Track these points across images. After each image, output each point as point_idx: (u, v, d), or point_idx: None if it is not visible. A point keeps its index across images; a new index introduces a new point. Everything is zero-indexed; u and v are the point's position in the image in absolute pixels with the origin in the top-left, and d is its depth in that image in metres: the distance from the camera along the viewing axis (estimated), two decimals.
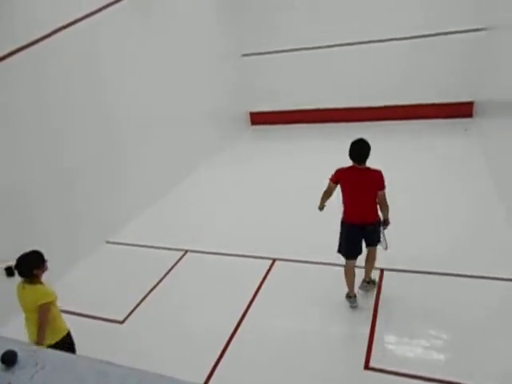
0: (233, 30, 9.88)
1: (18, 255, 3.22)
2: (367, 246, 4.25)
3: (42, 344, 3.11)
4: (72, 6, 5.56)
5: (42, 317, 3.15)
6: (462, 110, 8.94)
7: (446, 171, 6.87)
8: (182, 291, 4.97)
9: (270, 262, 5.22)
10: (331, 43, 9.36)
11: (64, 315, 4.60)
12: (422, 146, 8.04)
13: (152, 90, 7.18)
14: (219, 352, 3.93)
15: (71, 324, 4.63)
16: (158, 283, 5.14)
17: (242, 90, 10.53)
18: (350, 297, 4.27)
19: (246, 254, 5.46)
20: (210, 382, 3.64)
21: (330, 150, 8.71)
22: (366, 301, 4.31)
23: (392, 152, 7.96)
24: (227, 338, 4.08)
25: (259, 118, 11.00)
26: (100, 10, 5.94)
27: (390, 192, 6.34)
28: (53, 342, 3.24)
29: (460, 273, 4.49)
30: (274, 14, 9.62)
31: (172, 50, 7.67)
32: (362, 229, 4.06)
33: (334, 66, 9.57)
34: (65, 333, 3.37)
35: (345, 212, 4.14)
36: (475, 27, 8.16)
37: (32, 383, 1.43)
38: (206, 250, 5.67)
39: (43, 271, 3.28)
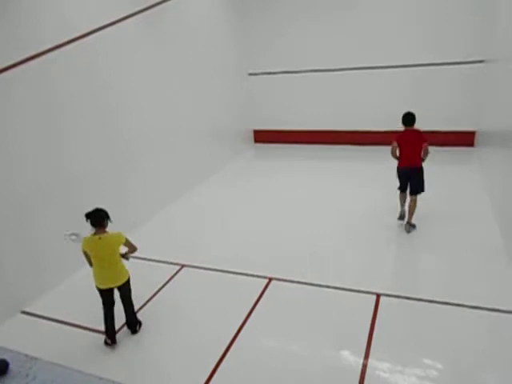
0: (240, 49, 10.05)
1: None
2: (411, 193, 5.95)
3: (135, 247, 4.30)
4: (82, 19, 5.67)
5: (131, 244, 4.23)
6: (464, 139, 9.03)
7: (447, 199, 6.89)
8: (176, 306, 4.93)
9: (266, 281, 5.19)
10: (337, 67, 9.53)
11: (57, 325, 4.58)
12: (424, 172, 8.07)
13: (157, 103, 7.27)
14: (211, 370, 3.88)
15: (63, 334, 4.60)
16: (152, 296, 5.10)
17: (247, 108, 10.65)
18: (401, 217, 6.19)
19: (242, 271, 5.43)
20: None
21: (332, 171, 8.81)
22: (361, 327, 4.27)
23: (393, 178, 8.00)
24: (219, 357, 4.02)
25: (263, 136, 11.10)
26: (110, 24, 6.05)
27: (387, 217, 6.43)
28: (127, 277, 4.27)
29: (458, 302, 4.45)
30: (282, 35, 9.82)
31: (179, 64, 7.79)
32: (410, 171, 5.90)
33: (338, 89, 9.70)
34: (128, 277, 4.30)
35: (400, 160, 5.98)
36: (475, 59, 8.34)
37: None
38: (202, 266, 5.64)
39: (107, 224, 4.10)
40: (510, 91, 6.01)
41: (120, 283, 4.19)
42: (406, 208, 6.13)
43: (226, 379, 3.78)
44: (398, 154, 6.01)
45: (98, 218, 4.01)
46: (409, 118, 5.98)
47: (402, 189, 6.11)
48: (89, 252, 4.08)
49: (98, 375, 2.86)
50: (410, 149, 5.85)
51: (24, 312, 5.03)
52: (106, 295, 4.22)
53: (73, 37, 5.50)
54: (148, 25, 6.97)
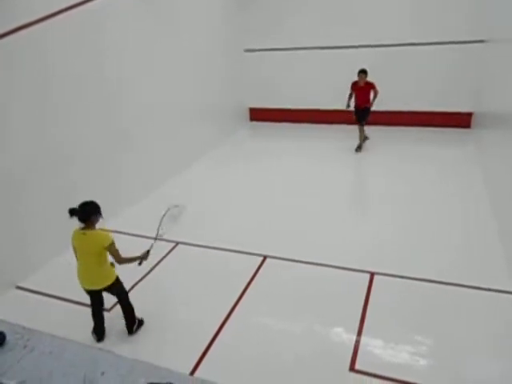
0: (236, 25, 9.82)
1: None
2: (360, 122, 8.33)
3: (132, 259, 3.85)
4: None
5: (116, 253, 3.71)
6: (461, 120, 8.99)
7: (442, 181, 6.91)
8: (170, 283, 4.95)
9: (261, 258, 5.21)
10: (336, 45, 9.36)
11: (52, 300, 4.58)
12: (420, 154, 8.09)
13: (151, 80, 7.10)
14: (204, 347, 3.92)
15: (58, 310, 4.60)
16: (147, 274, 5.11)
17: (243, 85, 10.49)
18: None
19: (236, 249, 5.45)
20: (196, 374, 3.63)
21: (327, 151, 8.77)
22: (354, 305, 4.33)
23: (389, 158, 8.01)
24: (212, 335, 4.06)
25: (258, 114, 10.98)
26: None
27: (385, 198, 6.45)
28: (109, 282, 3.85)
29: (449, 281, 4.52)
30: (279, 11, 9.59)
31: (174, 41, 7.60)
32: (362, 110, 8.20)
33: (337, 67, 9.55)
34: (113, 278, 3.90)
35: (356, 102, 8.25)
36: (475, 39, 8.22)
37: (19, 366, 1.41)
38: (197, 243, 5.65)
39: (98, 220, 3.70)
40: (509, 72, 5.96)
41: (98, 287, 3.84)
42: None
43: (219, 357, 3.82)
44: (350, 98, 8.30)
45: (83, 213, 3.60)
46: (363, 71, 7.97)
47: (357, 120, 8.38)
48: (75, 246, 3.79)
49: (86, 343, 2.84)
50: (362, 93, 8.08)
51: (19, 287, 5.03)
52: (91, 296, 3.95)
53: (66, 6, 5.32)
54: (143, 1, 6.76)
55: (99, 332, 4.10)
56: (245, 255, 5.32)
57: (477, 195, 6.25)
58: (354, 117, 8.43)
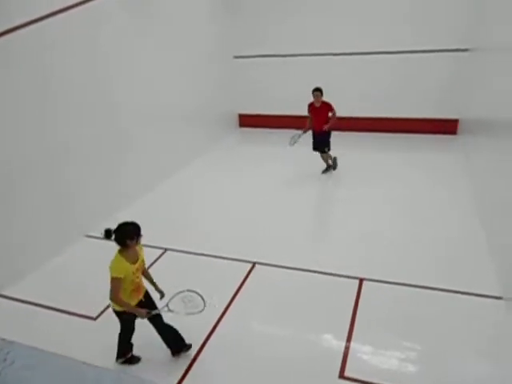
0: (226, 32, 9.83)
1: None
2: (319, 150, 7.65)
3: (124, 307, 3.46)
4: None
5: (113, 290, 3.38)
6: (447, 127, 9.11)
7: (430, 187, 6.96)
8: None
9: (250, 265, 5.18)
10: (323, 52, 9.43)
11: (35, 308, 4.47)
12: (407, 160, 8.15)
13: (139, 85, 7.06)
14: (193, 355, 3.87)
15: (43, 318, 4.50)
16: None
17: (232, 92, 10.49)
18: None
19: (225, 256, 5.41)
20: (185, 381, 3.58)
21: (317, 156, 8.79)
22: (344, 311, 4.32)
23: (376, 164, 8.06)
24: (202, 342, 4.02)
25: (248, 121, 10.98)
26: None
27: (373, 204, 6.48)
28: (117, 309, 3.55)
29: (437, 287, 4.54)
30: (269, 18, 9.64)
31: (165, 47, 7.60)
32: (319, 134, 7.43)
33: (325, 74, 9.59)
34: (120, 310, 3.54)
35: (312, 125, 7.47)
36: (460, 47, 8.36)
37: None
38: (186, 250, 5.59)
39: (136, 244, 3.46)
40: (493, 80, 6.08)
41: (112, 307, 3.63)
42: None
43: (209, 363, 3.78)
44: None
45: (117, 237, 3.44)
46: (319, 90, 7.25)
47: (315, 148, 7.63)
48: None
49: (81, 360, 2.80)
50: (318, 117, 7.31)
51: (1, 295, 4.92)
52: None
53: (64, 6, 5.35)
54: (135, 5, 6.73)
55: (129, 358, 3.86)
56: (233, 262, 5.29)
57: (464, 200, 6.31)
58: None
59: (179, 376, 3.65)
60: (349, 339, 3.95)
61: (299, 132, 7.45)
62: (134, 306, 3.51)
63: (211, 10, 9.30)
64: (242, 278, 4.94)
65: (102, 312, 4.52)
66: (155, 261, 5.41)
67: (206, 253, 5.48)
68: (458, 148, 8.39)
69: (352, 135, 9.58)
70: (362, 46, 9.09)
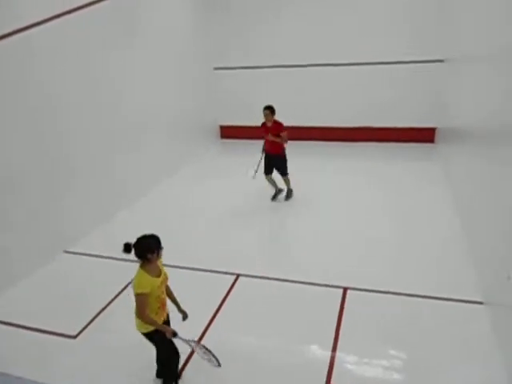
0: (205, 43, 9.88)
1: None
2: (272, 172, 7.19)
3: (152, 324, 3.26)
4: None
5: (138, 307, 3.21)
6: (425, 136, 9.31)
7: (409, 194, 7.08)
8: None
9: (234, 277, 5.14)
10: (302, 63, 9.56)
11: (11, 329, 4.33)
12: (386, 168, 8.27)
13: (117, 99, 6.99)
14: (179, 366, 3.79)
15: (19, 338, 4.36)
16: (116, 296, 4.94)
17: (213, 103, 10.51)
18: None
19: (208, 268, 5.35)
20: None
21: (299, 166, 8.84)
22: (328, 320, 4.31)
23: (356, 173, 8.15)
24: (186, 356, 3.94)
25: (229, 132, 11.00)
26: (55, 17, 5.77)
27: (353, 212, 6.53)
28: (145, 331, 3.34)
29: (420, 294, 4.58)
30: (249, 30, 9.73)
31: (144, 59, 7.57)
32: (273, 157, 6.99)
33: (304, 85, 9.75)
34: (150, 329, 3.33)
35: (266, 146, 7.00)
36: (436, 58, 8.60)
37: None
38: (168, 263, 5.49)
39: (157, 257, 3.29)
40: (466, 90, 6.26)
41: (136, 328, 3.41)
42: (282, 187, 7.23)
43: (195, 374, 3.73)
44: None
45: (136, 251, 3.25)
46: (272, 108, 6.81)
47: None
48: None
49: (42, 382, 2.68)
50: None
51: None
52: None
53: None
54: (109, 17, 6.70)
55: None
56: (217, 274, 5.23)
57: (444, 207, 6.42)
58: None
59: None
60: (334, 349, 3.94)
61: (257, 161, 7.13)
62: (157, 323, 3.29)
63: (191, 21, 9.34)
64: (226, 291, 4.90)
65: (83, 329, 4.40)
66: None
67: (187, 266, 5.41)
68: (436, 156, 8.57)
69: (330, 145, 9.72)
70: (340, 57, 9.25)
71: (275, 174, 7.17)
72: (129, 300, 4.81)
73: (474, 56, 5.89)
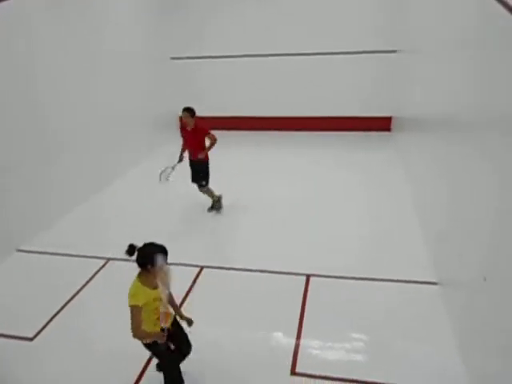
0: (160, 33, 9.60)
1: None
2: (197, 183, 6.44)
3: (144, 338, 3.06)
4: None
5: (133, 322, 2.93)
6: (382, 124, 9.57)
7: (366, 181, 7.26)
8: (101, 304, 4.65)
9: (198, 269, 5.10)
10: (261, 52, 9.53)
11: None
12: (343, 157, 8.43)
13: (66, 91, 6.65)
14: (141, 367, 3.73)
15: None
16: (75, 295, 4.78)
17: (171, 95, 10.26)
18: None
19: (173, 261, 5.25)
20: None
21: (260, 156, 8.87)
22: (292, 307, 4.37)
23: (313, 162, 8.26)
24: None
25: None
26: None
27: (312, 201, 6.63)
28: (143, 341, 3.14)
29: (378, 277, 4.74)
30: (206, 19, 9.55)
31: (97, 49, 7.26)
32: (195, 164, 6.26)
33: (262, 75, 9.72)
34: (148, 340, 3.13)
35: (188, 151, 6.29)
36: (388, 49, 8.82)
37: None
38: (129, 258, 5.37)
39: (157, 270, 2.99)
40: (417, 80, 6.47)
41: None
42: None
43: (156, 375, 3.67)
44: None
45: (138, 258, 3.05)
46: (193, 111, 6.15)
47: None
48: None
49: None
50: (191, 142, 6.13)
51: None
52: None
53: None
54: (59, 3, 6.37)
55: None
56: (181, 267, 5.16)
57: (399, 193, 6.63)
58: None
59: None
60: (298, 336, 4.01)
61: (172, 164, 6.32)
62: (154, 332, 3.06)
63: (145, 10, 9.04)
64: (190, 283, 4.86)
65: (41, 330, 4.23)
66: (97, 272, 5.17)
67: None
68: (392, 144, 8.83)
69: (287, 134, 9.79)
70: (296, 47, 9.29)
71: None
72: (88, 298, 4.71)
73: (423, 47, 6.10)
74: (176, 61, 10.06)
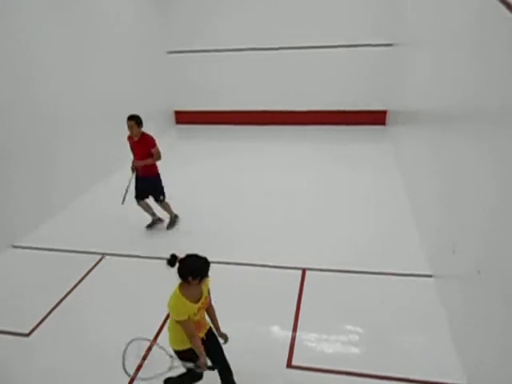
0: (157, 26, 9.55)
1: None
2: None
3: (197, 349, 2.98)
4: None
5: (185, 332, 2.91)
6: (377, 118, 9.56)
7: (361, 175, 7.26)
8: (97, 299, 4.65)
9: None
10: (258, 46, 9.48)
11: None
12: (338, 151, 8.42)
13: (65, 85, 6.64)
14: (137, 363, 3.73)
15: None
16: (70, 290, 4.77)
17: (167, 88, 10.22)
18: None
19: (165, 256, 5.26)
20: None
21: (252, 151, 8.86)
22: (289, 301, 4.39)
23: (308, 156, 8.25)
24: (146, 348, 3.88)
25: (184, 117, 10.77)
26: None
27: (307, 195, 6.63)
28: (176, 348, 3.09)
29: (374, 270, 4.76)
30: (202, 13, 9.49)
31: (93, 43, 7.21)
32: (144, 180, 5.76)
33: (258, 68, 9.69)
34: (184, 347, 3.05)
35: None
36: (384, 42, 8.80)
37: None
38: (124, 253, 5.38)
39: (199, 283, 2.94)
40: (413, 73, 6.47)
41: (171, 346, 3.14)
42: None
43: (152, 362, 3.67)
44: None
45: (180, 269, 2.97)
46: (139, 119, 5.62)
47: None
48: None
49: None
50: (139, 153, 5.61)
51: None
52: None
53: None
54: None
55: None
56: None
57: (394, 187, 6.64)
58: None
59: None
60: (294, 329, 4.03)
61: (126, 184, 5.74)
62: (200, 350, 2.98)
63: (141, 2, 8.96)
64: None
65: (36, 326, 4.22)
66: (93, 268, 5.16)
67: (145, 255, 5.31)
68: (387, 137, 8.84)
69: (282, 128, 9.76)
70: (292, 40, 9.25)
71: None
72: (84, 294, 4.70)
73: (419, 41, 6.09)
74: (172, 55, 10.00)
